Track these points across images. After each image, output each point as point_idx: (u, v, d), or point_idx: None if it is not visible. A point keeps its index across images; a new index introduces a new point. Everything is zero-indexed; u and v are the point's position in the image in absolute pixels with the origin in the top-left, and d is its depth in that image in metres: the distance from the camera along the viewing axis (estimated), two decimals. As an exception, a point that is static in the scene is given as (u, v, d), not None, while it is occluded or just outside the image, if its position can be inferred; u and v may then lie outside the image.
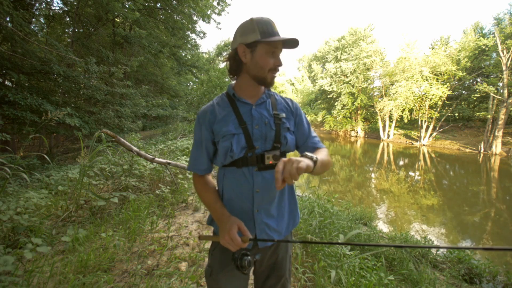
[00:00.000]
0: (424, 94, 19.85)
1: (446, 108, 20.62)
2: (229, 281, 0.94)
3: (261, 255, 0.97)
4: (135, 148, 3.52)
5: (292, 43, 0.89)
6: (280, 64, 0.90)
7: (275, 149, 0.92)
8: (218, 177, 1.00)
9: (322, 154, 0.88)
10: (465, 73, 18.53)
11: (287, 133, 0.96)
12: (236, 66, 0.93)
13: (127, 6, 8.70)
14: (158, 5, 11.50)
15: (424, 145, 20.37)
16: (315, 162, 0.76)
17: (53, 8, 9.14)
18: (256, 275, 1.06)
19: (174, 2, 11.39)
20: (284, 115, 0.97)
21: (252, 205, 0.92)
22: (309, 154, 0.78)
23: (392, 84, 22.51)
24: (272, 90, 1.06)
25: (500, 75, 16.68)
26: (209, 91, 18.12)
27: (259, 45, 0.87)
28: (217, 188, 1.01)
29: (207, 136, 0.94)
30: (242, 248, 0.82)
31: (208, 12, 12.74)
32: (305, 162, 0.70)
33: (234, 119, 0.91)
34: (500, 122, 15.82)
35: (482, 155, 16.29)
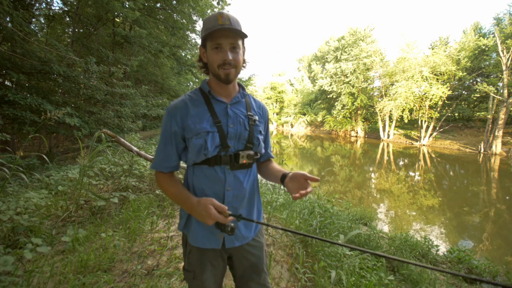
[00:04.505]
0: (424, 94, 19.86)
1: (446, 108, 20.64)
2: (212, 277, 0.96)
3: (236, 257, 1.00)
4: (135, 148, 3.52)
5: (234, 32, 0.84)
6: (227, 58, 0.84)
7: (248, 149, 0.94)
8: (187, 175, 0.98)
9: (279, 169, 1.03)
10: (465, 73, 18.54)
11: (259, 135, 0.98)
12: (204, 67, 0.95)
13: (127, 5, 8.68)
14: (158, 5, 11.48)
15: (424, 145, 20.38)
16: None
17: (53, 8, 9.13)
18: (237, 279, 1.06)
19: (174, 2, 11.38)
20: (257, 117, 0.99)
21: (222, 203, 0.90)
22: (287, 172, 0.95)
23: (392, 84, 22.54)
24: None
25: (500, 75, 16.69)
26: (209, 91, 18.09)
27: (207, 43, 0.87)
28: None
29: (177, 131, 0.90)
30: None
31: (208, 12, 12.74)
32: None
33: (209, 117, 0.90)
34: (500, 122, 15.83)
35: (482, 155, 16.30)
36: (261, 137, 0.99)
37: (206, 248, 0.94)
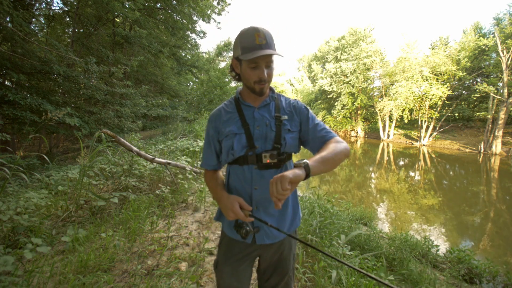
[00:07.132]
0: (424, 94, 19.86)
1: (446, 108, 20.63)
2: (233, 274, 1.01)
3: (263, 253, 1.04)
4: (135, 148, 3.52)
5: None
6: (263, 77, 0.90)
7: (275, 149, 0.97)
8: (226, 175, 1.09)
9: (324, 151, 0.88)
10: (465, 73, 18.53)
11: (288, 134, 0.99)
12: (236, 76, 1.03)
13: (127, 5, 8.67)
14: (158, 5, 11.48)
15: (424, 145, 20.37)
16: (305, 167, 0.78)
17: (53, 8, 9.12)
18: (260, 273, 1.10)
19: (174, 2, 11.37)
20: (286, 117, 1.01)
21: (251, 202, 0.97)
22: (299, 162, 0.81)
23: (392, 84, 22.52)
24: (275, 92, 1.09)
25: (500, 75, 16.69)
26: (209, 91, 18.12)
27: (242, 60, 0.92)
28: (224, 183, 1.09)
29: (213, 135, 1.04)
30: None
31: (208, 12, 12.74)
32: (289, 176, 0.73)
33: (237, 121, 0.99)
34: (500, 122, 15.83)
35: (482, 155, 16.29)
36: (289, 136, 0.98)
37: (235, 239, 1.01)
